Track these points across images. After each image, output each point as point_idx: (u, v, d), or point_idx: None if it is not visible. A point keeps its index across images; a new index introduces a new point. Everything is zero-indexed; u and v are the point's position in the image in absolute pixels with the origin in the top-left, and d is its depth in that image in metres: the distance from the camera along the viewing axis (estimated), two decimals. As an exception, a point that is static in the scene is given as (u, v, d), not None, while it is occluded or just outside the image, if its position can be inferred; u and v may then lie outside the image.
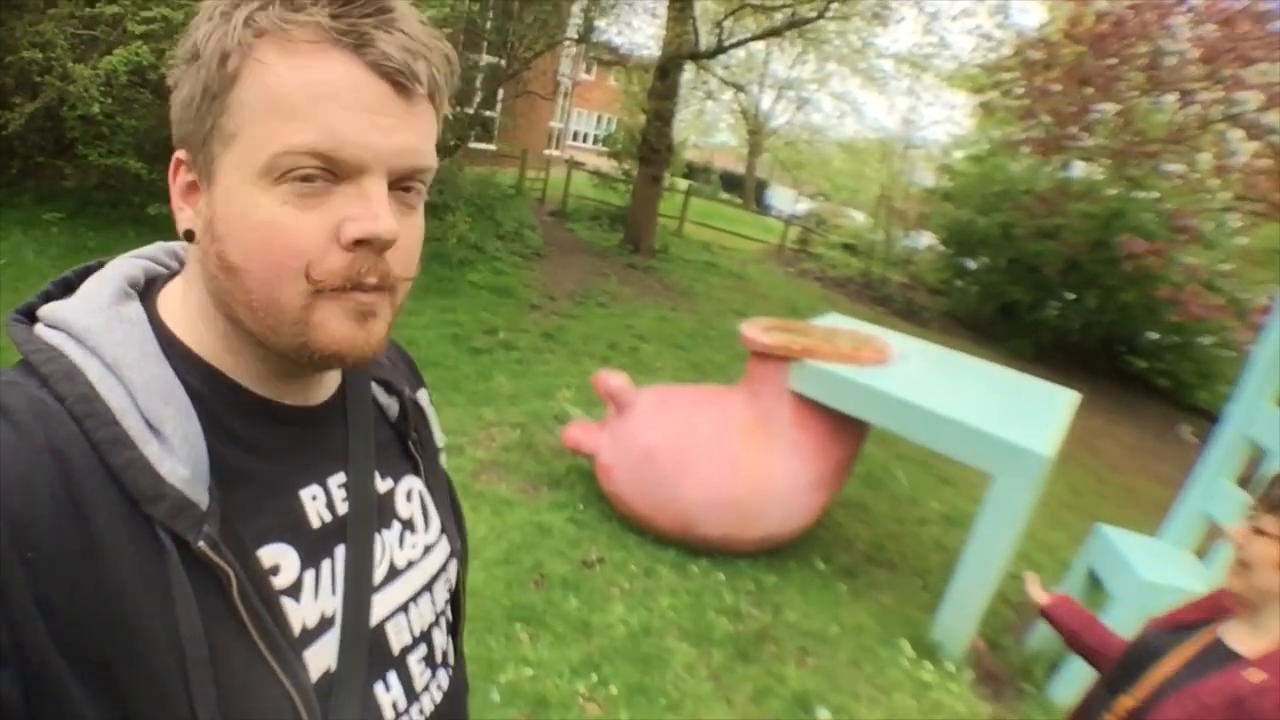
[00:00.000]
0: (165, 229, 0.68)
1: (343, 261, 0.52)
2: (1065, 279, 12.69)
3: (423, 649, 0.70)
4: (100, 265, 0.60)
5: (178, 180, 0.56)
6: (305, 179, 0.51)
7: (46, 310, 0.55)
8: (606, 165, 15.90)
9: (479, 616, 2.84)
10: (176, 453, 0.51)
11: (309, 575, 0.59)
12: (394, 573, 0.67)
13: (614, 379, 3.73)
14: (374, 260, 0.53)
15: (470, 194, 10.05)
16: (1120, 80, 8.97)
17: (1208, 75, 8.05)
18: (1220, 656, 1.30)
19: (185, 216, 0.55)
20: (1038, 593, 1.86)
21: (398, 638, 0.67)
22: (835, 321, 4.76)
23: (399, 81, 0.52)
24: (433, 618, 0.72)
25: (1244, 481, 3.37)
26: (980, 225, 13.53)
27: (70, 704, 0.46)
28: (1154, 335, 13.44)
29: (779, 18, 10.19)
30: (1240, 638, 1.31)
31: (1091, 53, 8.84)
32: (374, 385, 0.72)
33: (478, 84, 10.54)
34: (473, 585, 3.02)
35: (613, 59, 15.34)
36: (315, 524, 0.60)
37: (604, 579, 3.29)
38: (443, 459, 0.81)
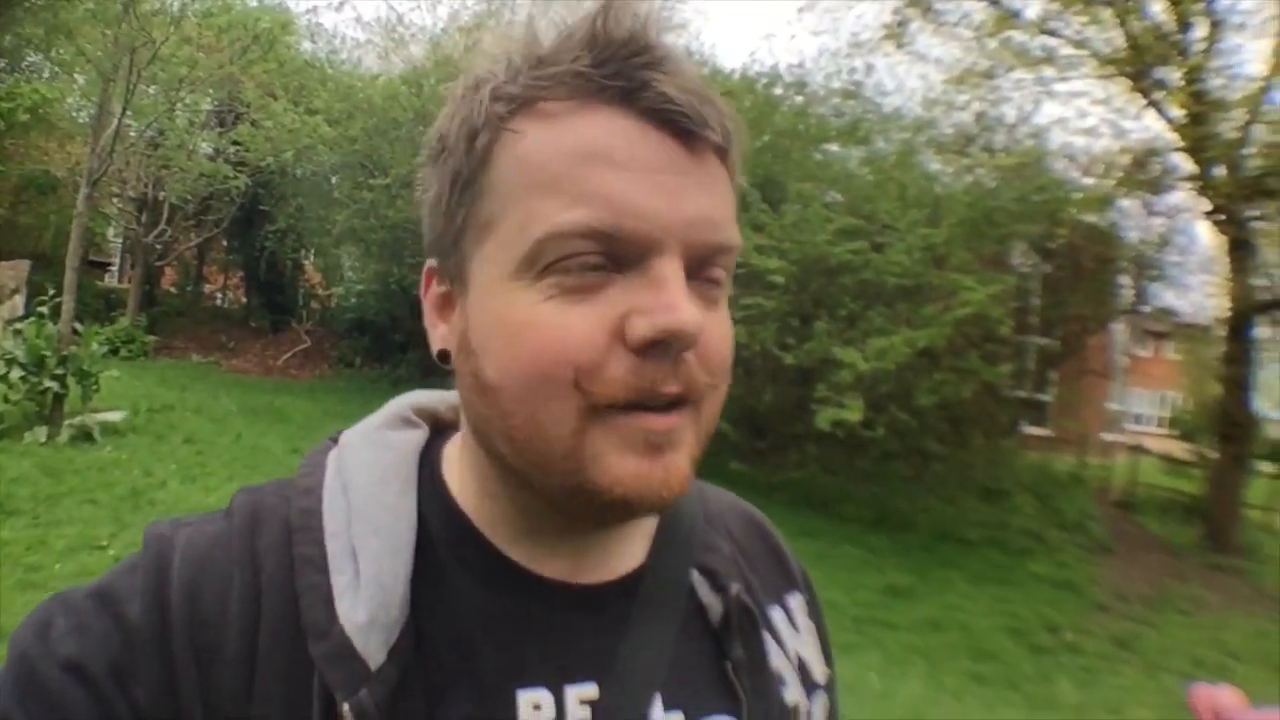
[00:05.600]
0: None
1: (627, 368, 0.41)
2: None
3: None
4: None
5: (430, 293, 0.49)
6: (579, 268, 0.41)
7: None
8: (1175, 448, 14.76)
9: None
10: (361, 590, 0.43)
11: None
12: None
13: (1223, 694, 3.91)
14: (671, 366, 0.41)
15: (1028, 480, 10.40)
16: None
17: None
18: None
19: (439, 335, 0.48)
20: None
21: None
22: None
23: (685, 128, 0.42)
24: None
25: None
26: None
27: None
28: None
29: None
30: None
31: None
32: (696, 575, 0.54)
33: (1028, 365, 10.95)
34: None
35: (1168, 329, 14.51)
36: None
37: None
38: (819, 704, 0.58)
